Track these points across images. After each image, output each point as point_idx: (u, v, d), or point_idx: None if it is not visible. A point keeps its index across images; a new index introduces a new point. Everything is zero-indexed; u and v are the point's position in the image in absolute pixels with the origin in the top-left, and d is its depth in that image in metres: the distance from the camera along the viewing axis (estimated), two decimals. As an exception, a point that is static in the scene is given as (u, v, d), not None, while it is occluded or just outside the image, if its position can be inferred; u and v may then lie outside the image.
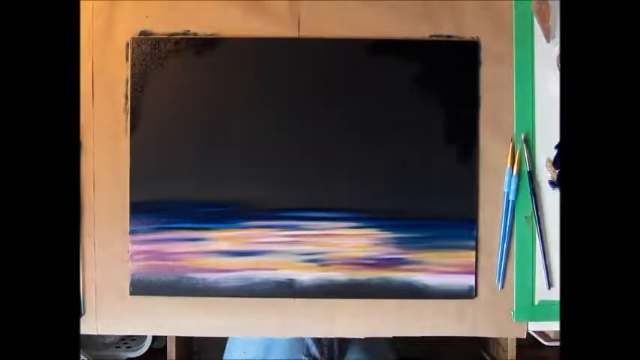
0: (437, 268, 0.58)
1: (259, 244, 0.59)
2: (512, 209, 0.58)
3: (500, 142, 0.59)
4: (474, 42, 0.59)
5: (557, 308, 0.58)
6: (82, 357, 0.71)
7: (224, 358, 0.70)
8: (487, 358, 0.77)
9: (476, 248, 0.59)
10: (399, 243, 0.58)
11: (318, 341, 0.64)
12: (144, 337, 0.81)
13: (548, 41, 0.59)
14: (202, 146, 0.59)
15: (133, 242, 0.59)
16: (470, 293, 0.59)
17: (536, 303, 0.59)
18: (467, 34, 0.59)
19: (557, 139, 0.59)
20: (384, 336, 0.60)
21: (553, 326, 0.60)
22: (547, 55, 0.59)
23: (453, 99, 0.59)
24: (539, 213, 0.58)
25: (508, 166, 0.58)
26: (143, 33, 0.59)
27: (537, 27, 0.59)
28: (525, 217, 0.59)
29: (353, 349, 0.67)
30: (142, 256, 0.59)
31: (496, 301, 0.59)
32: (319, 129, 0.59)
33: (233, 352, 0.69)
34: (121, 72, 0.59)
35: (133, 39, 0.59)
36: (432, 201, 0.59)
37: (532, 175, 0.58)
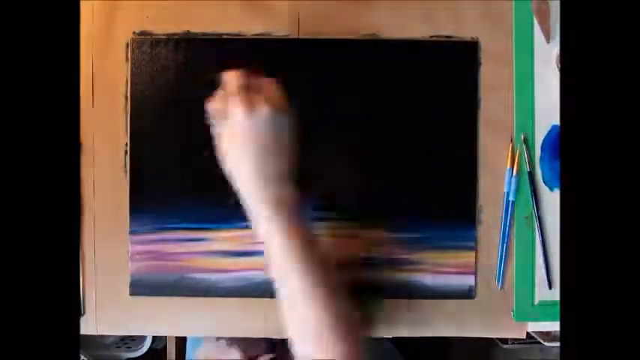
0: (437, 268, 0.58)
1: (259, 244, 0.58)
2: (512, 209, 0.58)
3: (500, 142, 0.59)
4: (473, 42, 0.59)
5: (557, 308, 0.58)
6: (82, 357, 0.71)
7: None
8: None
9: (476, 248, 0.59)
10: (399, 243, 0.58)
11: None
12: (144, 337, 0.81)
13: (548, 41, 0.59)
14: (202, 146, 0.59)
15: (133, 242, 0.59)
16: (470, 293, 0.59)
17: (536, 303, 0.59)
18: (467, 34, 0.59)
19: (557, 139, 0.59)
20: (384, 336, 0.60)
21: (553, 326, 0.60)
22: (547, 55, 0.59)
23: (452, 99, 0.59)
24: (539, 213, 0.58)
25: (508, 166, 0.59)
26: (143, 33, 0.59)
27: (537, 27, 0.59)
28: (525, 217, 0.59)
29: None
30: (142, 257, 0.59)
31: (496, 302, 0.59)
32: (319, 129, 0.59)
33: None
34: (121, 72, 0.59)
35: (133, 39, 0.59)
36: (432, 201, 0.59)
37: (532, 176, 0.58)
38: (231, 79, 0.46)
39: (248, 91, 0.46)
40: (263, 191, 0.46)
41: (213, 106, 0.47)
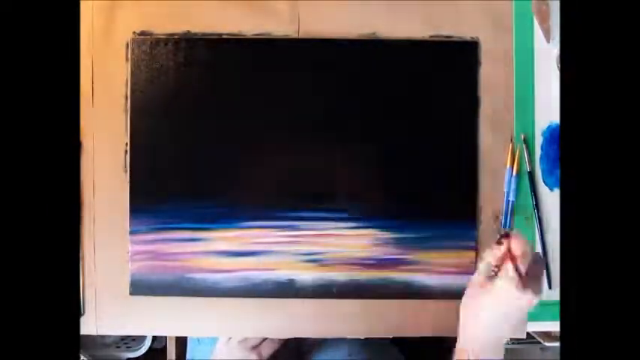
0: (437, 268, 0.58)
1: (259, 244, 0.59)
2: (512, 209, 0.58)
3: (500, 142, 0.59)
4: (473, 42, 0.59)
5: (557, 308, 0.58)
6: (82, 357, 0.71)
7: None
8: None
9: (476, 248, 0.59)
10: (399, 243, 0.58)
11: None
12: (144, 337, 0.81)
13: (548, 41, 0.59)
14: (202, 146, 0.59)
15: (133, 242, 0.59)
16: (470, 293, 0.59)
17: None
18: (467, 34, 0.59)
19: (557, 139, 0.59)
20: (384, 336, 0.60)
21: (553, 326, 0.60)
22: (547, 55, 0.59)
23: (453, 99, 0.59)
24: (539, 213, 0.58)
25: (508, 166, 0.59)
26: (143, 33, 0.59)
27: (537, 27, 0.59)
28: (525, 217, 0.59)
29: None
30: (142, 256, 0.59)
31: (496, 301, 0.59)
32: (319, 129, 0.59)
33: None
34: (121, 72, 0.59)
35: (133, 39, 0.59)
36: (432, 201, 0.59)
37: (532, 176, 0.58)
38: (517, 247, 0.44)
39: (523, 269, 0.44)
40: (487, 354, 0.46)
41: (489, 258, 0.46)
